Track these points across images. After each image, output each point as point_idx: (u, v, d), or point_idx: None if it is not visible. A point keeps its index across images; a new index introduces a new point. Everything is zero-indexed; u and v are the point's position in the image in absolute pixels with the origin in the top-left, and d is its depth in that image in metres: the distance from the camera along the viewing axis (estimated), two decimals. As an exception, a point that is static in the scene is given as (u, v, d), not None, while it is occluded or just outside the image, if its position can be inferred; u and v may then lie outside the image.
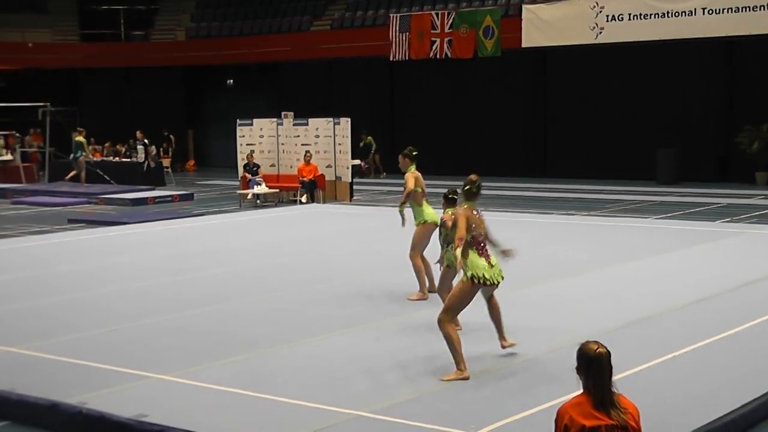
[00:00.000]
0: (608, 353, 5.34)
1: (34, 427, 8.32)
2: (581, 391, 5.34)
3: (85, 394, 8.54)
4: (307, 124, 27.93)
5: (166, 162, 35.51)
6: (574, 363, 5.40)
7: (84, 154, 31.41)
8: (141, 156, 32.18)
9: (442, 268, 11.00)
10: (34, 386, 8.81)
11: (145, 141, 32.91)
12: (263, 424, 7.75)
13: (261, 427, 7.65)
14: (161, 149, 36.35)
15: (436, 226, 11.54)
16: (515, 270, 14.46)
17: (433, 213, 11.97)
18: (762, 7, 27.59)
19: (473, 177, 9.52)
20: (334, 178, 26.63)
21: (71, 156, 31.49)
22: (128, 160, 33.71)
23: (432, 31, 33.06)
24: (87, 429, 8.05)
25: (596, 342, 5.41)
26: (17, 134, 34.91)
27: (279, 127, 28.38)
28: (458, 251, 8.95)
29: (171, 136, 37.65)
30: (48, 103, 33.13)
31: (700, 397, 8.30)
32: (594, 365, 5.30)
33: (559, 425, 5.28)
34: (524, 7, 32.20)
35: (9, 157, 34.52)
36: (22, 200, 27.85)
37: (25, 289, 13.81)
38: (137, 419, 7.87)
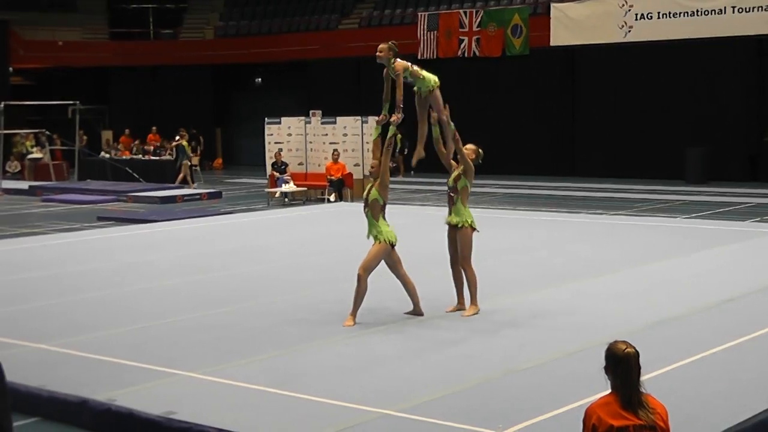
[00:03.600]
0: (637, 353, 5.34)
1: (64, 423, 8.39)
2: (609, 390, 5.34)
3: (114, 391, 8.59)
4: (335, 123, 27.99)
5: (194, 160, 35.68)
6: (603, 362, 5.41)
7: (189, 155, 31.87)
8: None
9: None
10: (64, 383, 8.87)
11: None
12: (290, 421, 7.78)
13: (288, 425, 7.68)
14: (189, 147, 36.50)
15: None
16: (544, 269, 14.51)
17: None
18: (793, 5, 27.50)
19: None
20: (362, 177, 26.64)
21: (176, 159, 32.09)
22: (157, 158, 33.89)
23: (460, 30, 33.07)
24: (116, 426, 8.10)
25: (624, 342, 5.41)
26: (47, 132, 35.14)
27: (307, 125, 28.47)
28: None
29: (200, 136, 37.82)
30: (77, 102, 33.32)
31: (729, 396, 8.25)
32: (622, 365, 5.30)
33: (587, 425, 5.29)
34: (553, 5, 32.12)
35: (39, 155, 34.78)
36: (52, 198, 28.05)
37: (54, 287, 13.92)
38: (166, 416, 7.92)
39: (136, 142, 36.62)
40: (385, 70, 11.34)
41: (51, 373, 9.27)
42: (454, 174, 11.55)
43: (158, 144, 35.87)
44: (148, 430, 7.92)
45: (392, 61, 11.20)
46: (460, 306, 11.67)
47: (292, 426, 7.66)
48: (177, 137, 32.23)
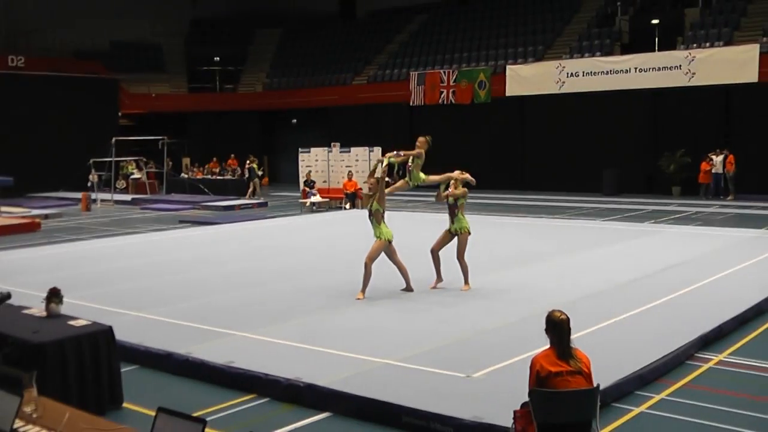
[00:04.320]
0: (568, 318, 5.33)
1: (155, 369, 8.37)
2: (549, 346, 5.32)
3: (191, 346, 8.57)
4: (349, 152, 27.98)
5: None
6: (544, 326, 5.38)
7: (258, 174, 31.60)
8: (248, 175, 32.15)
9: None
10: (155, 340, 8.87)
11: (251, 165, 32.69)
12: (316, 368, 7.76)
13: (314, 370, 7.66)
14: (258, 168, 36.33)
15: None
16: (501, 257, 14.46)
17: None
18: (676, 68, 27.67)
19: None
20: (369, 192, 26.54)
21: (246, 177, 31.61)
22: (221, 178, 33.78)
23: (440, 84, 32.98)
24: (191, 371, 8.09)
25: (560, 310, 5.40)
26: (144, 159, 35.09)
27: (329, 153, 28.43)
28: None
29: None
30: (165, 137, 33.32)
31: (633, 350, 8.23)
32: (558, 327, 5.29)
33: (532, 371, 5.27)
34: (508, 66, 32.18)
35: (139, 175, 34.77)
36: (147, 207, 28.00)
37: (148, 271, 13.90)
38: (227, 365, 7.91)
39: (206, 165, 36.49)
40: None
41: (146, 332, 9.26)
42: (457, 194, 11.50)
43: (236, 166, 35.79)
44: (215, 374, 7.91)
45: (424, 149, 11.50)
46: (439, 281, 11.65)
47: (318, 371, 7.64)
48: (248, 162, 32.22)
